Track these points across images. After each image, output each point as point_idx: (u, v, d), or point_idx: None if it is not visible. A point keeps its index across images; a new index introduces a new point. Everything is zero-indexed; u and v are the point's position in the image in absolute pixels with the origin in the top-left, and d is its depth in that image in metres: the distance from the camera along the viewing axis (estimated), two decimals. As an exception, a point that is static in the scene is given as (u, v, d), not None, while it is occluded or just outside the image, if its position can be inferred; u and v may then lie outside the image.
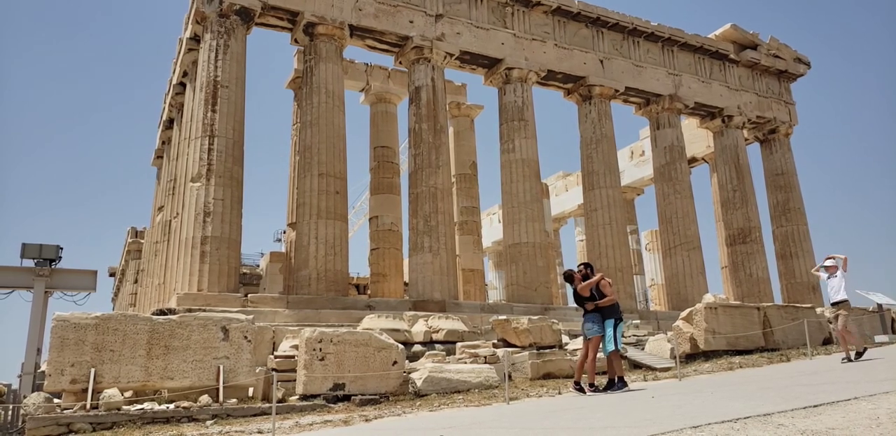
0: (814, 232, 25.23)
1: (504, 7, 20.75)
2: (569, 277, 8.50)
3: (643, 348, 12.82)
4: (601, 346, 8.13)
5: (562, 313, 18.61)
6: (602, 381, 8.47)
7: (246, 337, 9.56)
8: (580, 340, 13.55)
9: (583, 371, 8.09)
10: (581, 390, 7.94)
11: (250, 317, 10.05)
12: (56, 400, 8.53)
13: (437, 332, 14.35)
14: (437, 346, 13.68)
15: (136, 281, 29.88)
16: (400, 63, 19.97)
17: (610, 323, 8.08)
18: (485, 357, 11.05)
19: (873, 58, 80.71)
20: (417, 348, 13.61)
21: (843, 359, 8.80)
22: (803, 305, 13.63)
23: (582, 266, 8.62)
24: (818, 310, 14.18)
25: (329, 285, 16.10)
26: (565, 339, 13.28)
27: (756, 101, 25.36)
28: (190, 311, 12.38)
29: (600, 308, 8.16)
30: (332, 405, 8.87)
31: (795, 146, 31.08)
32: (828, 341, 13.15)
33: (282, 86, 22.76)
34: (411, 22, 19.02)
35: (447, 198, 18.42)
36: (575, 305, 8.96)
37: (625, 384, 8.01)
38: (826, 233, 68.67)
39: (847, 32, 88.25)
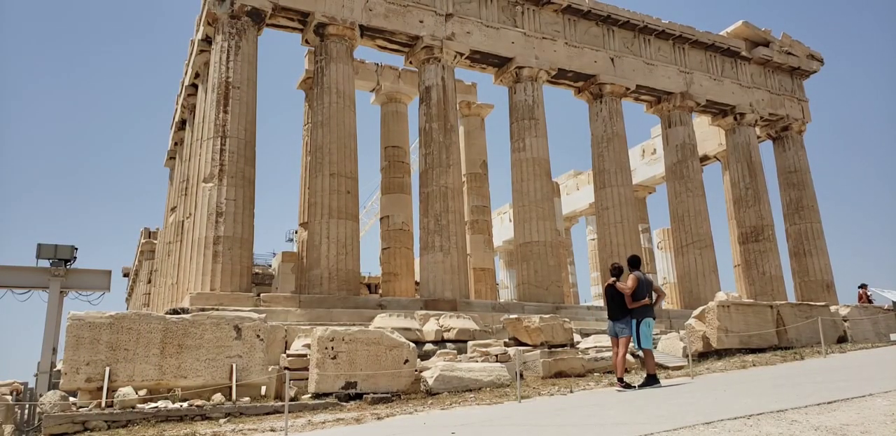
0: (827, 230, 25.02)
1: (514, 6, 20.72)
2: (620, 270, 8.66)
3: (656, 347, 12.76)
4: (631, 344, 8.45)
5: (573, 312, 18.57)
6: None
7: (258, 336, 9.62)
8: (592, 338, 13.57)
9: (619, 367, 8.29)
10: (627, 385, 8.05)
11: (263, 316, 10.11)
12: (72, 398, 8.60)
13: (449, 331, 14.36)
14: (448, 345, 13.69)
15: (149, 281, 30.11)
16: (410, 63, 19.99)
17: (643, 322, 8.31)
18: (496, 356, 11.04)
19: (887, 54, 79.91)
20: (429, 346, 13.62)
21: None
22: (817, 304, 13.53)
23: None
24: (832, 308, 14.08)
25: (341, 285, 16.15)
26: (577, 337, 13.26)
27: (768, 98, 25.18)
28: (203, 310, 12.45)
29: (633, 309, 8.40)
30: (345, 404, 8.90)
31: (809, 143, 30.87)
32: (842, 339, 13.05)
33: (293, 86, 22.87)
34: (421, 22, 19.04)
35: (458, 197, 18.42)
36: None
37: (656, 381, 8.10)
38: (840, 231, 68.13)
39: (860, 28, 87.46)
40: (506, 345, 11.87)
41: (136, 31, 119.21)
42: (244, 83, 16.63)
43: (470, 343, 12.61)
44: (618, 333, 8.37)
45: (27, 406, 11.54)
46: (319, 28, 17.95)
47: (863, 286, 19.07)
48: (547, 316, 11.92)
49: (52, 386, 12.30)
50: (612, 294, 8.51)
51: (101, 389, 8.50)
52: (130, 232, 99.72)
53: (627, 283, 8.40)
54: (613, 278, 8.57)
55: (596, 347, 12.26)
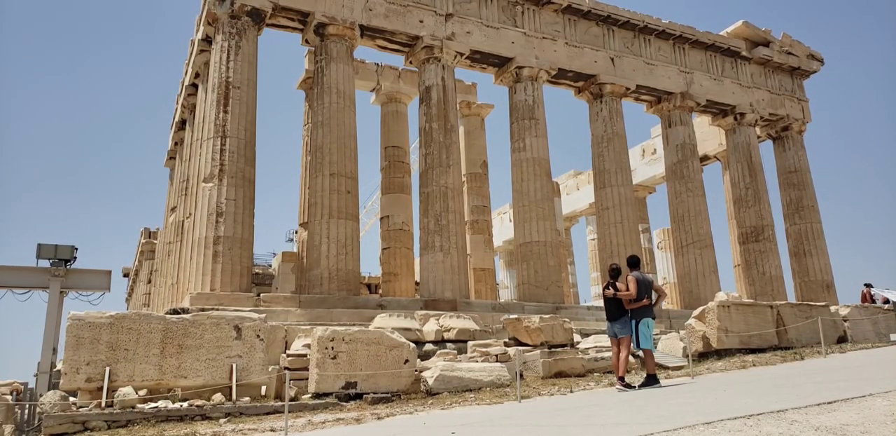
0: (827, 230, 25.02)
1: (514, 6, 20.71)
2: (618, 272, 8.62)
3: (656, 347, 12.75)
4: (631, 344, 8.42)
5: (573, 312, 18.57)
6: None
7: (258, 336, 9.61)
8: (592, 338, 13.57)
9: (620, 367, 8.25)
10: (628, 385, 8.01)
11: (263, 316, 10.11)
12: (72, 398, 8.60)
13: (449, 331, 14.36)
14: (448, 345, 13.69)
15: (149, 281, 30.11)
16: (410, 63, 19.98)
17: (641, 322, 8.30)
18: (496, 356, 11.04)
19: (887, 54, 79.95)
20: (429, 346, 13.62)
21: None
22: (817, 304, 13.53)
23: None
24: (832, 308, 14.07)
25: (341, 285, 16.15)
26: (577, 338, 13.25)
27: (768, 98, 25.18)
28: (203, 310, 12.45)
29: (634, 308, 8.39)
30: (345, 404, 8.90)
31: (809, 143, 30.84)
32: (842, 340, 13.05)
33: (293, 86, 22.86)
34: (421, 21, 19.04)
35: (458, 197, 18.41)
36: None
37: (656, 381, 8.10)
38: (840, 231, 68.15)
39: (860, 28, 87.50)
40: (506, 345, 11.87)
41: (136, 31, 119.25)
42: (244, 83, 16.63)
43: (470, 343, 12.61)
44: (616, 333, 8.37)
45: (27, 406, 11.54)
46: (319, 28, 17.95)
47: (868, 285, 19.04)
48: (547, 316, 11.91)
49: (53, 386, 12.30)
50: (608, 295, 8.51)
51: (101, 389, 8.50)
52: (130, 232, 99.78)
53: (629, 285, 8.35)
54: (611, 282, 8.54)
55: (596, 347, 12.26)
